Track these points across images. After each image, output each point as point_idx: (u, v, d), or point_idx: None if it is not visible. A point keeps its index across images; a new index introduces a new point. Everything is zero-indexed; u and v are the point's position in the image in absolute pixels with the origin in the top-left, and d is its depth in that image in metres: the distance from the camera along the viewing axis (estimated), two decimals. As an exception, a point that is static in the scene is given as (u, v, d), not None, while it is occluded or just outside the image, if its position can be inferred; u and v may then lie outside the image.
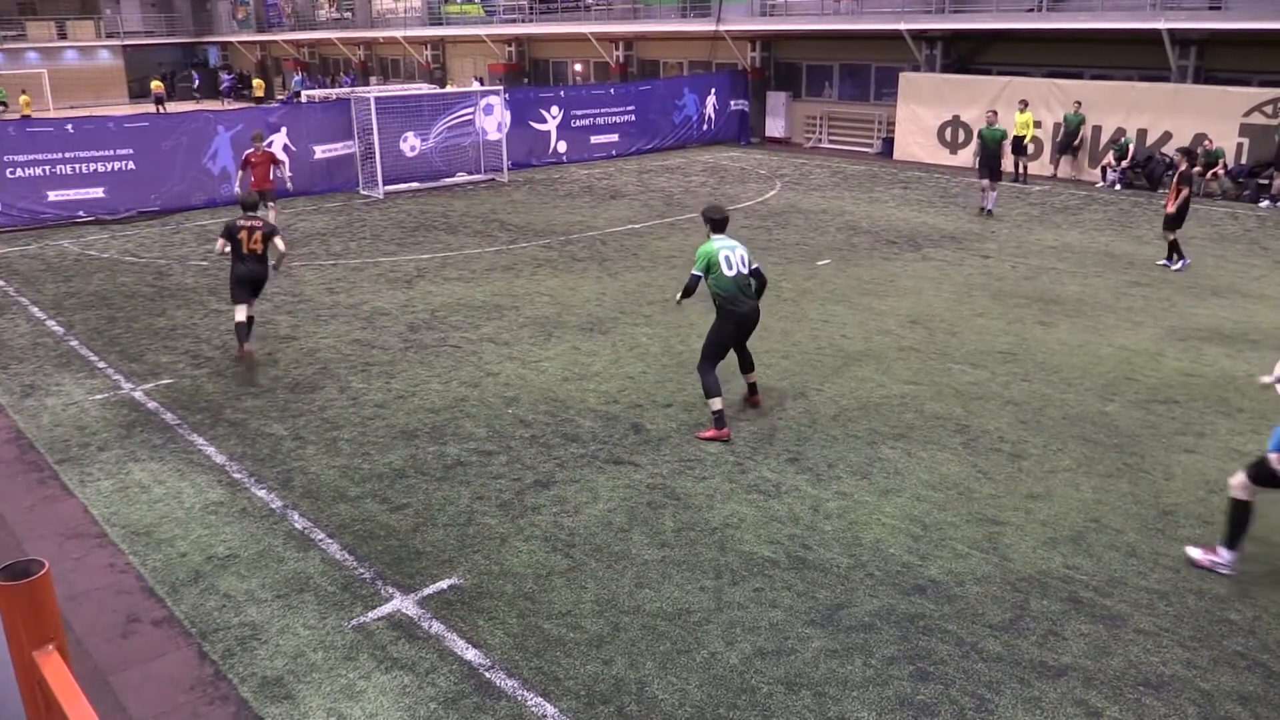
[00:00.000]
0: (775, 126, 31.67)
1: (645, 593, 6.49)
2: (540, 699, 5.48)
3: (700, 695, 5.49)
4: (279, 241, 11.09)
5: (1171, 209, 14.63)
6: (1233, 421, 9.32)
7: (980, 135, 19.35)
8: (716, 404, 8.85)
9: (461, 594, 6.51)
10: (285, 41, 53.32)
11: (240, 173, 17.80)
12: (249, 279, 10.92)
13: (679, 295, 9.24)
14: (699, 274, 8.90)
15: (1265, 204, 20.62)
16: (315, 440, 9.00)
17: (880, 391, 10.04)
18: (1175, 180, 14.53)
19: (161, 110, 40.70)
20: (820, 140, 30.82)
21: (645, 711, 5.37)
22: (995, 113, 20.17)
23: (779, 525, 7.35)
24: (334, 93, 30.15)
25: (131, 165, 20.35)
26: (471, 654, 5.88)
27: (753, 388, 9.62)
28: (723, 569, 6.76)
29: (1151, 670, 5.72)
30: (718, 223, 9.06)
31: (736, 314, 8.90)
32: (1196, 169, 15.11)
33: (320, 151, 22.66)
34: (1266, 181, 20.71)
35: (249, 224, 10.80)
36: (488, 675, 5.68)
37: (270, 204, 17.05)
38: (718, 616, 6.22)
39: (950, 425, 9.20)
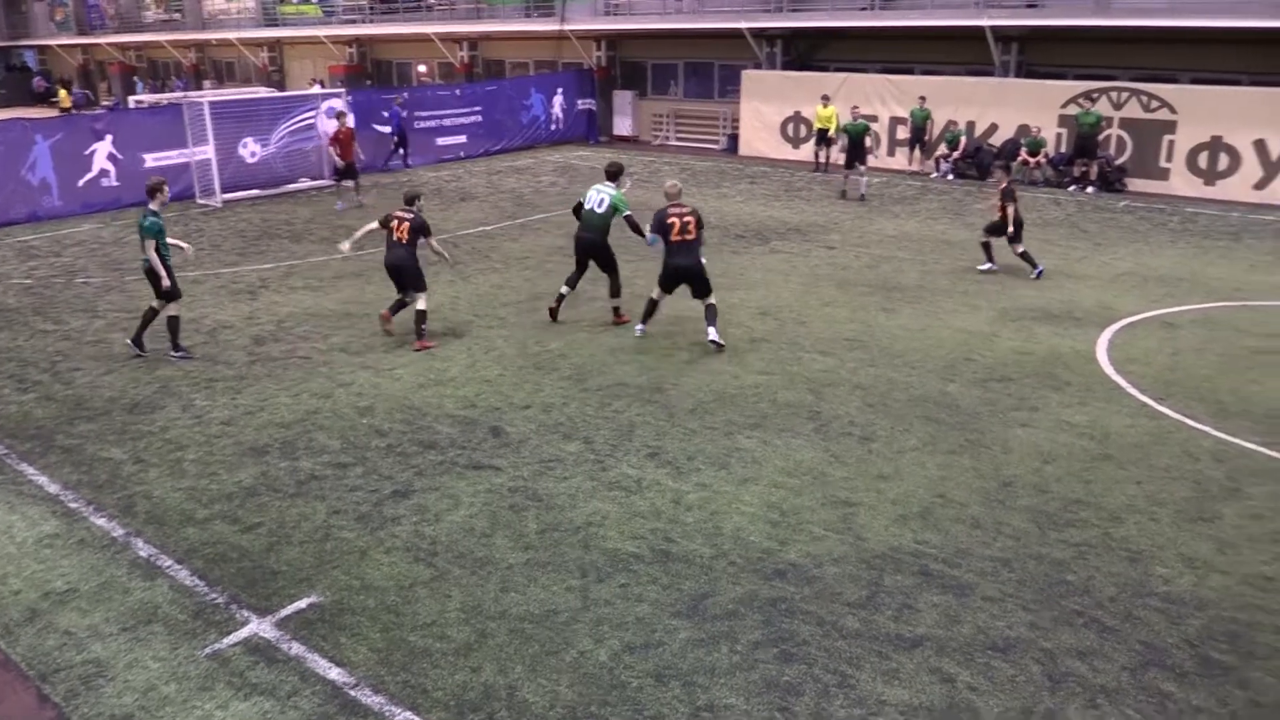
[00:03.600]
0: (623, 125, 31.89)
1: (511, 596, 6.45)
2: (408, 713, 5.38)
3: (571, 695, 5.50)
4: (434, 242, 11.77)
5: (997, 218, 14.53)
6: (1062, 395, 9.89)
7: (845, 129, 21.08)
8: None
9: (321, 612, 6.33)
10: (109, 44, 50.57)
11: (330, 149, 20.75)
12: (390, 265, 11.68)
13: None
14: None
15: (1073, 188, 21.95)
16: (158, 463, 8.60)
17: (735, 383, 10.25)
18: (1000, 197, 14.42)
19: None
20: (668, 138, 31.20)
21: (516, 716, 5.34)
22: (858, 107, 22.09)
23: (642, 520, 7.42)
24: (164, 98, 28.83)
25: (-60, 179, 19.02)
26: (335, 673, 5.73)
27: (615, 310, 12.30)
28: (588, 567, 6.79)
29: (999, 634, 6.03)
30: (610, 173, 12.08)
31: (578, 237, 12.08)
32: (1015, 180, 15.39)
33: (151, 160, 21.61)
34: (1084, 169, 22.02)
35: (400, 214, 11.59)
36: (353, 693, 5.55)
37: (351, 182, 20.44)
38: (585, 615, 6.24)
39: (803, 412, 9.46)
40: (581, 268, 12.21)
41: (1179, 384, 10.18)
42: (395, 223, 11.53)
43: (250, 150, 22.93)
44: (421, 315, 11.65)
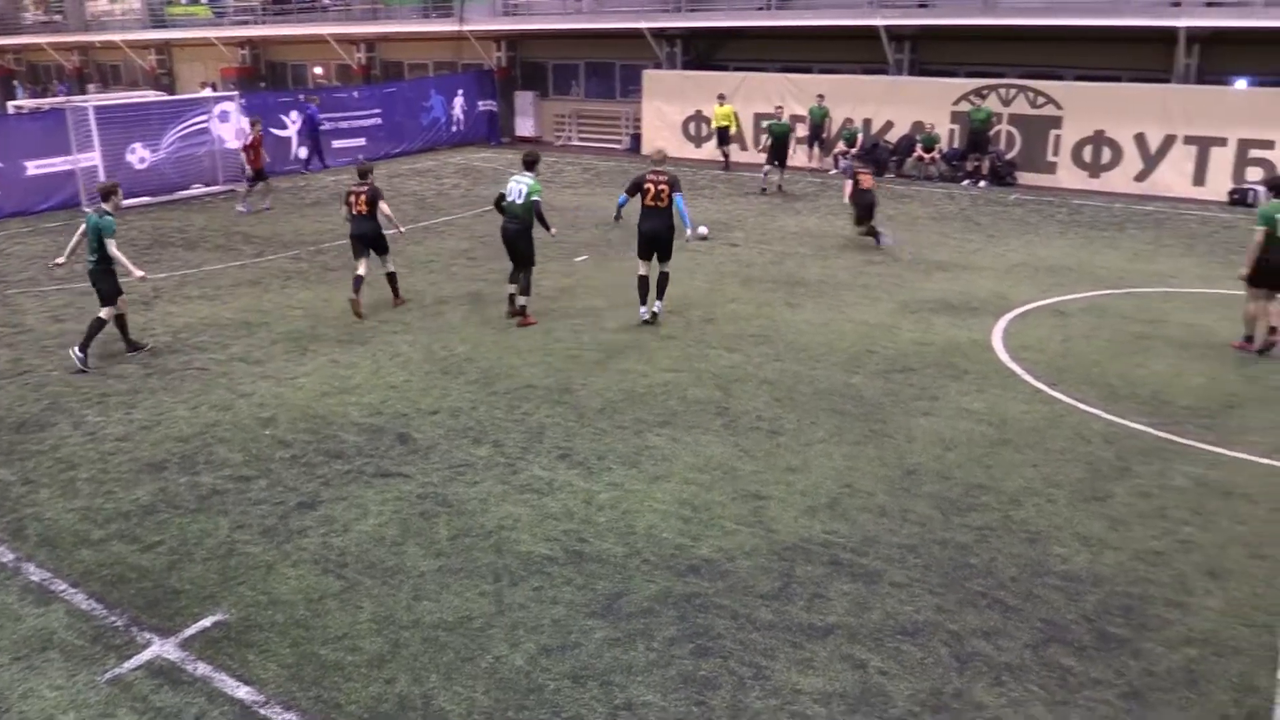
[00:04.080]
0: (525, 126, 31.75)
1: (424, 605, 6.38)
2: (321, 727, 5.28)
3: (488, 701, 5.46)
4: (384, 205, 12.72)
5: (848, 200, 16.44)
6: (961, 383, 10.17)
7: (770, 129, 21.43)
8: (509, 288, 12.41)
9: (228, 630, 6.17)
10: (-16, 48, 48.40)
11: (242, 154, 20.66)
12: (357, 236, 12.64)
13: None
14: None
15: (966, 183, 22.61)
16: (49, 483, 8.26)
17: (644, 381, 10.29)
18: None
19: None
20: (570, 138, 31.16)
21: (432, 725, 5.28)
22: (781, 108, 22.59)
23: (554, 522, 7.40)
24: (46, 102, 27.69)
25: None
26: (243, 691, 5.58)
27: (522, 309, 12.35)
28: (501, 572, 6.74)
29: (907, 619, 6.17)
30: (527, 163, 12.28)
31: (503, 229, 12.15)
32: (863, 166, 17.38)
33: (33, 167, 20.75)
34: (976, 164, 22.68)
35: (357, 189, 12.62)
36: (263, 711, 5.41)
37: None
38: (500, 620, 6.20)
39: (712, 408, 9.55)
40: (513, 258, 12.31)
41: (1070, 369, 10.56)
42: (353, 198, 12.59)
43: (139, 156, 22.17)
44: (393, 276, 13.12)
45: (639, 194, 11.75)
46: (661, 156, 12.19)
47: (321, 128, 26.17)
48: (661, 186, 11.61)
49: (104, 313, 11.23)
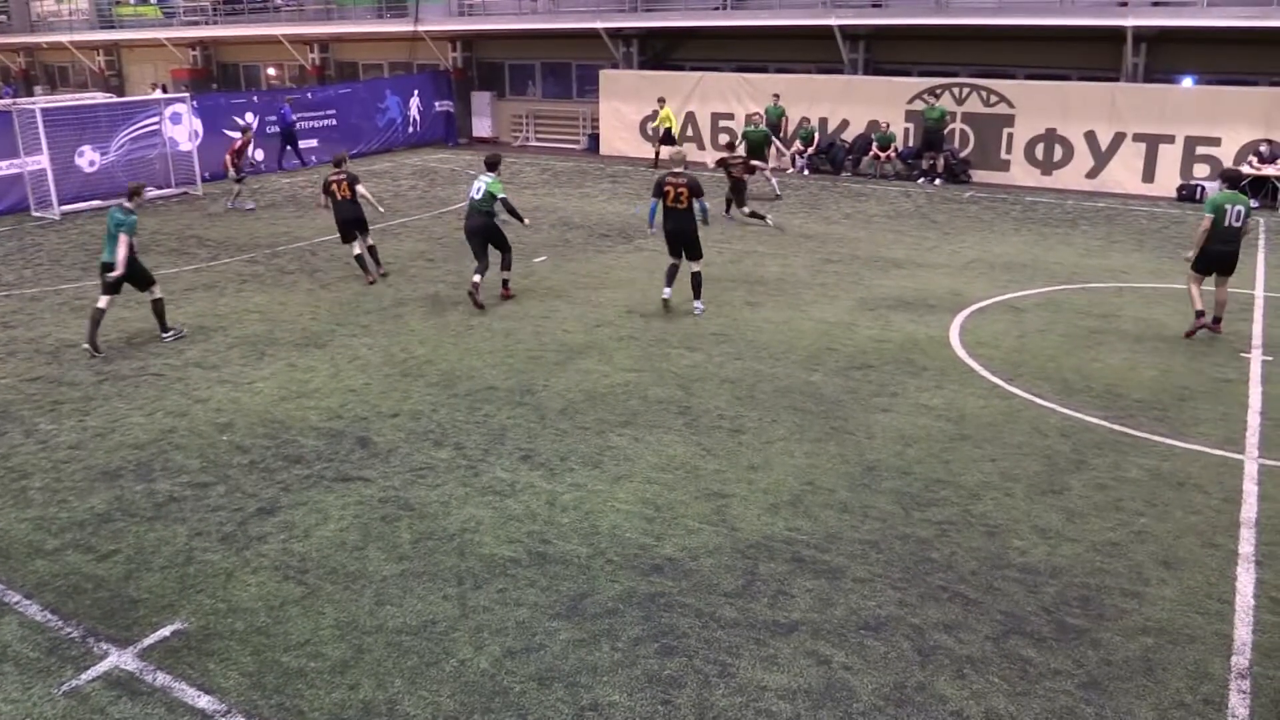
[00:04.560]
0: (482, 126, 31.63)
1: (387, 609, 6.33)
2: (284, 735, 5.22)
3: (453, 705, 5.43)
4: (361, 188, 14.31)
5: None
6: (919, 380, 10.28)
7: (746, 136, 20.56)
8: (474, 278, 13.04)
9: (187, 639, 6.08)
10: (-75, 49, 47.30)
11: (227, 157, 21.20)
12: (344, 220, 14.34)
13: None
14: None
15: (921, 181, 22.85)
16: (0, 492, 8.10)
17: (605, 381, 10.29)
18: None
19: None
20: (528, 139, 31.08)
21: (397, 730, 5.25)
22: (760, 115, 22.01)
23: (517, 524, 7.38)
24: (-10, 105, 27.12)
25: None
26: (204, 700, 5.51)
27: (504, 283, 13.55)
28: (464, 575, 6.71)
29: (870, 614, 6.23)
30: (489, 164, 13.16)
31: (466, 227, 13.09)
32: (736, 155, 18.41)
33: (-21, 171, 20.36)
34: (931, 163, 22.92)
35: (336, 177, 14.15)
36: (224, 720, 5.35)
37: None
38: (464, 623, 6.17)
39: (673, 408, 9.57)
40: (479, 253, 12.99)
41: (1026, 364, 10.71)
42: (335, 185, 14.17)
43: (89, 159, 21.81)
44: (373, 249, 14.84)
45: (661, 197, 12.36)
46: (681, 159, 12.60)
47: (296, 128, 26.30)
48: (681, 189, 12.19)
49: (102, 301, 11.66)
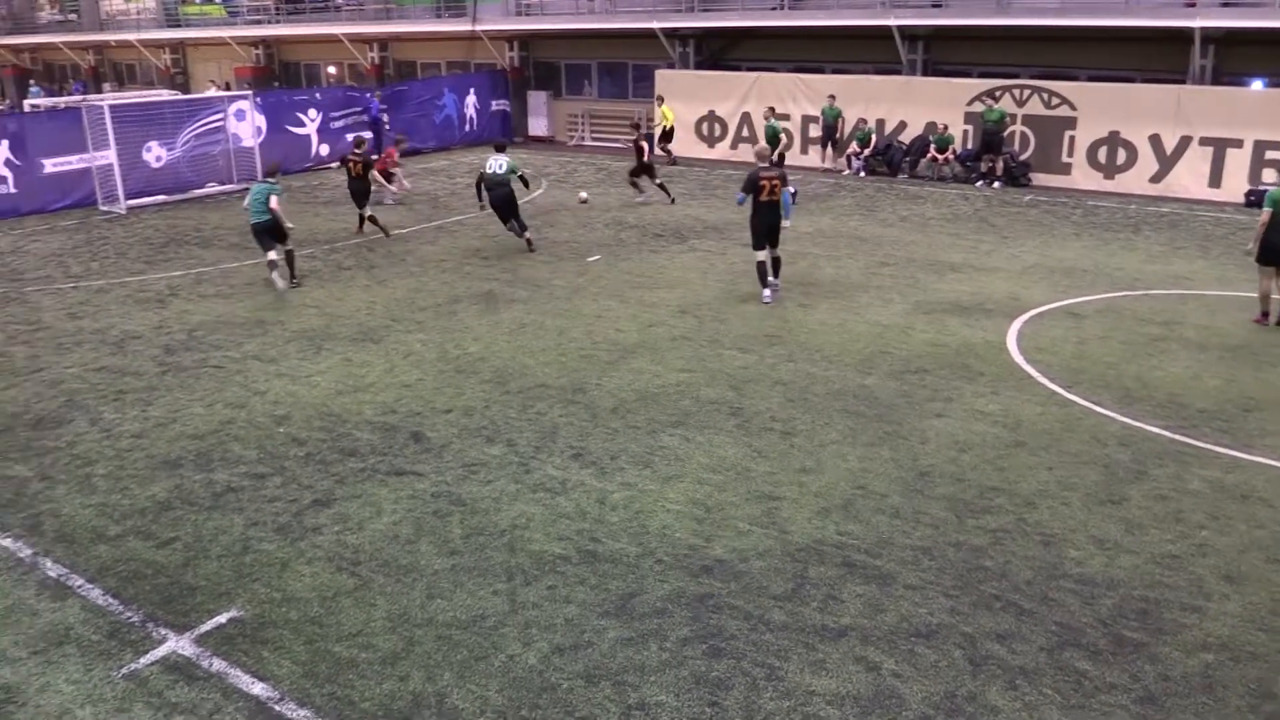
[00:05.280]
0: (538, 125, 31.77)
1: (437, 603, 6.39)
2: (335, 725, 5.30)
3: (501, 700, 5.47)
4: (375, 173, 18.06)
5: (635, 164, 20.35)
6: (975, 385, 10.14)
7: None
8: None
9: (242, 626, 6.19)
10: (2, 46, 48.61)
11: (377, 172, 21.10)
12: (354, 191, 17.72)
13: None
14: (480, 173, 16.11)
15: (980, 184, 22.54)
16: (66, 479, 8.31)
17: (656, 381, 10.29)
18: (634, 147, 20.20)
19: None
20: (583, 138, 31.17)
21: (446, 723, 5.29)
22: (773, 109, 22.70)
23: (567, 521, 7.41)
24: (63, 101, 27.83)
25: None
26: (258, 688, 5.61)
27: (529, 242, 16.37)
28: (514, 571, 6.75)
29: (921, 621, 6.16)
30: (497, 147, 16.36)
31: (493, 196, 16.00)
32: (641, 135, 20.70)
33: (50, 165, 20.89)
34: (990, 165, 22.60)
35: (354, 157, 17.40)
36: (277, 708, 5.43)
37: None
38: (513, 619, 6.21)
39: (725, 409, 9.55)
40: (506, 218, 16.15)
41: (1086, 371, 10.52)
42: (350, 164, 17.43)
43: (155, 155, 22.28)
44: (373, 218, 17.69)
45: (754, 191, 12.77)
46: (768, 153, 13.45)
47: (383, 121, 27.54)
48: (775, 183, 12.82)
49: (274, 253, 14.10)
